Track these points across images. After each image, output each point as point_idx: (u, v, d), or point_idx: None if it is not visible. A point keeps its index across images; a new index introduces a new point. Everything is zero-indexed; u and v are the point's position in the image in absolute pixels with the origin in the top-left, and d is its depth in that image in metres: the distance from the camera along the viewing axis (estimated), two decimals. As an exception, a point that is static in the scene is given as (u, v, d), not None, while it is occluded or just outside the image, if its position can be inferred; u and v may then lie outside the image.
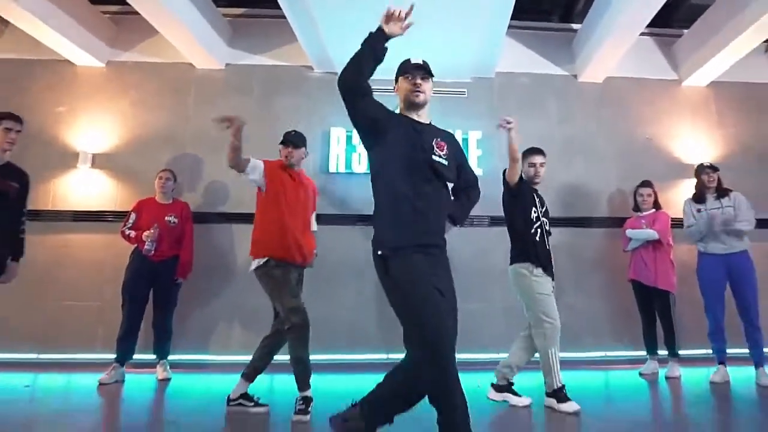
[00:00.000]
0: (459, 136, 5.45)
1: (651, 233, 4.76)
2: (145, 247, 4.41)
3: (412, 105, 2.56)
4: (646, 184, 5.01)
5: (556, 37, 6.07)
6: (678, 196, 5.41)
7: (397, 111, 2.63)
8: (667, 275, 4.71)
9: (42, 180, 5.24)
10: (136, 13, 4.90)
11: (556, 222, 5.30)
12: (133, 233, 4.51)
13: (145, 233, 4.44)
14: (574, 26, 6.05)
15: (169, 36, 5.18)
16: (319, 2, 4.53)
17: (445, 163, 2.49)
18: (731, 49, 5.31)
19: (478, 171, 5.31)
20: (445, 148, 2.52)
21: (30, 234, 5.08)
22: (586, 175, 5.67)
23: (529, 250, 3.63)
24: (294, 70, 5.76)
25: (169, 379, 4.53)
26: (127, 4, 4.78)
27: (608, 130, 5.81)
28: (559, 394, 3.47)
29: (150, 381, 4.45)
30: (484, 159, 5.46)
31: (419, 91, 2.54)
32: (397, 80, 2.65)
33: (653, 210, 4.92)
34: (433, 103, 5.37)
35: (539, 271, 3.62)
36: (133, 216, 4.61)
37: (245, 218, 5.21)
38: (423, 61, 2.62)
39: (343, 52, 5.28)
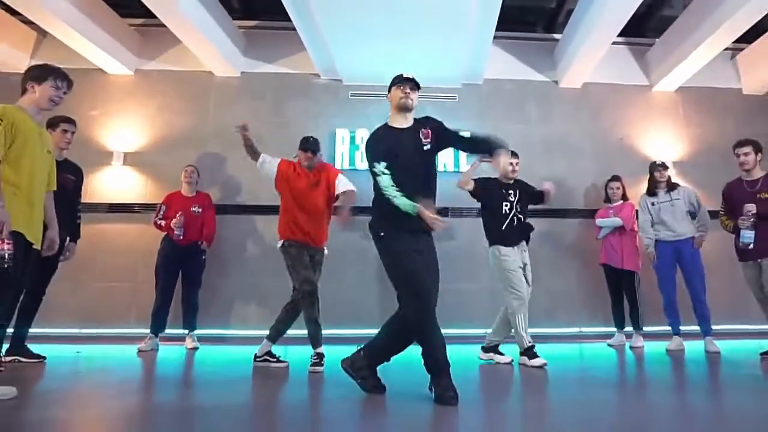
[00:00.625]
0: (450, 137, 6.08)
1: (616, 221, 5.40)
2: (175, 233, 5.07)
3: (402, 108, 3.11)
4: (615, 178, 5.63)
5: (539, 47, 6.68)
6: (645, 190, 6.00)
7: (387, 118, 3.23)
8: (632, 257, 5.34)
9: None
10: (160, 25, 5.54)
11: (537, 213, 5.89)
12: (163, 222, 5.17)
13: (173, 222, 5.07)
14: (556, 36, 6.65)
15: (191, 46, 5.80)
16: (326, 16, 5.07)
17: (430, 147, 3.08)
18: (696, 56, 5.88)
19: (467, 168, 5.82)
20: (429, 135, 3.09)
21: None
22: (565, 171, 6.27)
23: (497, 235, 4.39)
24: (302, 77, 6.39)
25: (197, 348, 5.16)
26: (152, 16, 5.41)
27: (586, 131, 6.42)
28: (529, 352, 4.13)
29: (181, 351, 5.06)
30: (473, 159, 6.04)
31: (409, 98, 3.10)
32: (390, 90, 3.22)
33: (621, 201, 5.54)
34: (426, 108, 6.07)
35: (507, 249, 4.34)
36: (163, 207, 5.25)
37: (260, 209, 5.91)
38: (412, 76, 3.18)
39: (346, 61, 6.09)
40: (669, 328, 5.14)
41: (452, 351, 2.88)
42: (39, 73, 3.06)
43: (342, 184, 4.30)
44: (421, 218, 2.82)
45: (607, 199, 5.66)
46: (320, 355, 3.93)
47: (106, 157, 6.03)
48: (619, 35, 5.82)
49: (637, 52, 6.77)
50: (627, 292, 5.37)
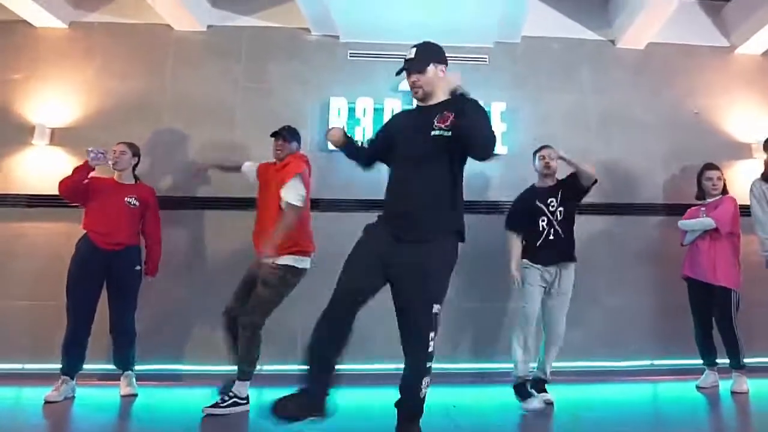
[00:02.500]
0: (480, 108, 4.75)
1: (707, 222, 4.08)
2: (91, 156, 3.78)
3: (416, 98, 2.77)
4: (712, 166, 4.32)
5: (590, -1, 5.33)
6: (734, 179, 4.70)
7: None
8: (729, 270, 4.01)
9: None
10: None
11: (592, 209, 4.67)
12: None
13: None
14: (612, -15, 5.30)
15: (142, -8, 4.45)
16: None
17: (448, 134, 2.53)
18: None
19: (502, 149, 4.67)
20: (449, 119, 2.55)
21: None
22: (626, 154, 4.96)
23: (529, 252, 3.89)
24: (288, 32, 5.03)
25: (134, 395, 3.83)
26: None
27: (650, 102, 5.09)
28: (521, 389, 3.58)
29: (113, 396, 3.78)
30: (509, 134, 4.74)
31: (416, 86, 2.68)
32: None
33: (719, 196, 4.22)
34: (448, 72, 4.72)
35: (528, 263, 3.86)
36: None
37: (231, 203, 4.58)
38: (414, 54, 2.67)
39: (346, 11, 4.66)
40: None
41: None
42: None
43: (287, 191, 3.49)
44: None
45: (701, 195, 4.33)
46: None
47: (27, 133, 4.65)
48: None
49: (710, 8, 5.41)
50: (718, 316, 4.02)
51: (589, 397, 3.69)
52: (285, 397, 2.32)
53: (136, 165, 4.14)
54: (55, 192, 4.13)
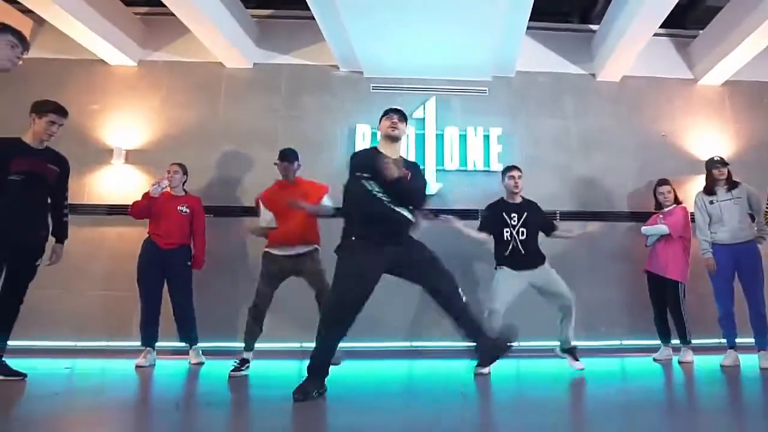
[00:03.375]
0: (480, 133, 5.66)
1: (662, 228, 4.93)
2: (152, 187, 4.65)
3: (389, 138, 3.30)
4: (663, 182, 5.14)
5: (575, 38, 6.21)
6: (693, 192, 5.36)
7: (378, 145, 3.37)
8: (678, 266, 4.84)
9: (78, 175, 5.29)
10: (167, 13, 5.12)
11: (573, 216, 5.51)
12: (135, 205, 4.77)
13: (155, 181, 4.73)
14: (593, 27, 6.18)
15: (199, 35, 5.36)
16: (347, 4, 4.66)
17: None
18: (745, 48, 5.42)
19: (498, 166, 5.40)
20: (409, 177, 3.21)
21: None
22: (603, 170, 5.81)
23: (500, 260, 4.44)
24: (320, 69, 5.92)
25: (202, 363, 4.70)
26: (158, 4, 5.01)
27: (625, 127, 5.94)
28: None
29: (183, 366, 4.61)
30: (505, 155, 5.59)
31: (395, 127, 3.28)
32: (379, 121, 3.38)
33: (673, 206, 5.05)
34: (455, 101, 5.60)
35: (508, 272, 4.34)
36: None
37: None
38: (401, 111, 3.37)
39: (368, 51, 5.59)
40: (718, 340, 4.76)
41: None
42: None
43: (327, 200, 4.32)
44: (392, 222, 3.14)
45: (658, 206, 5.17)
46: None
47: (107, 155, 5.56)
48: (661, 26, 5.34)
49: (680, 44, 6.29)
50: (670, 303, 4.87)
51: (569, 371, 4.26)
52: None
53: (185, 181, 4.99)
54: (130, 202, 5.04)
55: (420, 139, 5.67)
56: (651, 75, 6.12)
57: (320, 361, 3.07)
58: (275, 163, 4.36)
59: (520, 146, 5.72)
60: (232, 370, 4.03)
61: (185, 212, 4.83)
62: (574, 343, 4.41)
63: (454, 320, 3.11)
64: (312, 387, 2.99)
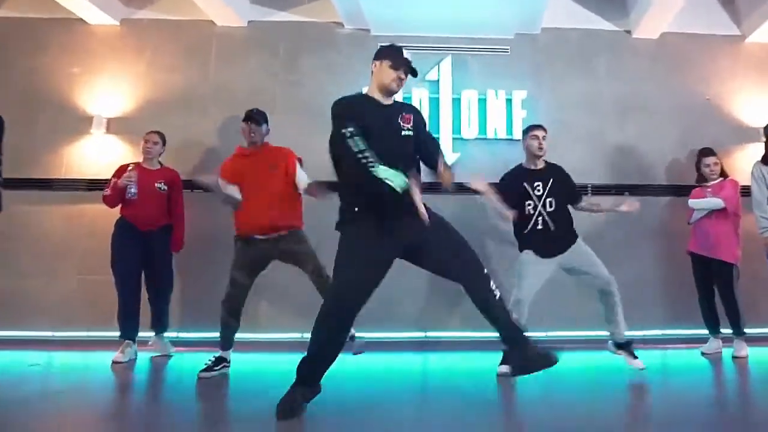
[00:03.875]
0: (502, 97, 5.07)
1: (716, 202, 4.30)
2: (129, 190, 4.04)
3: (388, 92, 2.70)
4: (708, 152, 4.52)
5: (607, -10, 5.54)
6: (742, 163, 4.95)
7: (364, 90, 2.84)
8: (730, 246, 4.26)
9: (54, 146, 5.00)
10: (152, -34, 4.53)
11: (606, 189, 4.97)
12: (108, 191, 4.12)
13: (123, 176, 4.04)
14: (628, -23, 5.51)
15: (187, -10, 4.78)
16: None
17: (411, 133, 2.69)
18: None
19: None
20: (411, 119, 2.71)
21: (41, 204, 4.91)
22: (640, 138, 5.22)
23: (521, 240, 3.74)
24: (322, 26, 5.35)
25: (168, 357, 4.29)
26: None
27: (664, 89, 5.33)
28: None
29: (177, 360, 4.22)
30: (529, 121, 4.94)
31: (401, 84, 2.70)
32: (379, 59, 2.73)
33: (720, 179, 4.45)
34: (472, 62, 5.01)
35: (533, 257, 3.66)
36: (113, 181, 4.19)
37: None
38: (410, 60, 2.75)
39: (375, 6, 4.95)
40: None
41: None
42: None
43: (301, 179, 3.69)
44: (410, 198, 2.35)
45: (701, 178, 4.56)
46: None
47: (86, 123, 5.03)
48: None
49: (724, -1, 5.61)
50: (720, 288, 4.28)
51: (603, 363, 3.82)
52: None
53: (162, 152, 4.44)
54: (111, 177, 4.46)
55: (434, 104, 5.09)
56: (693, 31, 5.47)
57: (313, 368, 2.52)
58: (241, 127, 3.76)
59: (546, 111, 5.11)
60: (201, 371, 3.46)
61: (163, 189, 4.30)
62: (627, 334, 3.69)
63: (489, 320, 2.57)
64: (300, 397, 2.47)
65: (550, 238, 3.62)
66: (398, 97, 2.88)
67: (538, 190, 3.65)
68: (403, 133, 2.66)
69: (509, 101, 5.07)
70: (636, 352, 3.70)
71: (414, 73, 2.73)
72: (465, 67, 5.21)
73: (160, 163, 4.43)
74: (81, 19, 5.25)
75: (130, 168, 4.09)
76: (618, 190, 5.01)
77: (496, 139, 5.04)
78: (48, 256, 4.78)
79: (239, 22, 5.30)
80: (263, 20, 5.37)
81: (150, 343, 4.32)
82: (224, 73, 5.22)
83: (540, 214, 3.62)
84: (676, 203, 4.97)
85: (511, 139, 4.97)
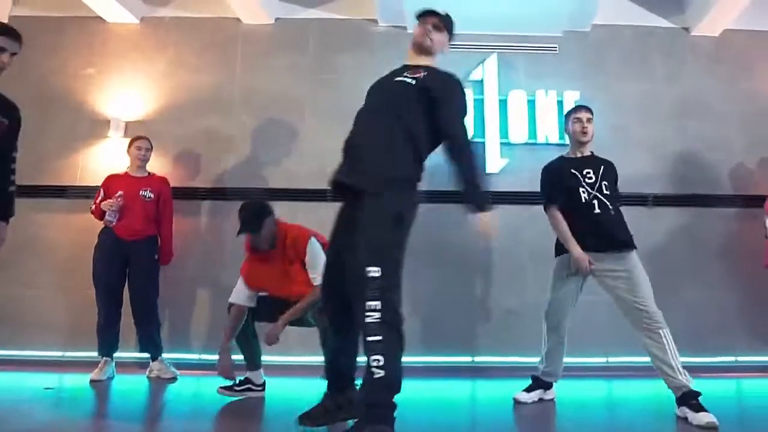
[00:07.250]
0: (553, 98, 4.65)
1: None
2: (107, 217, 3.89)
3: (420, 49, 2.56)
4: None
5: (663, -15, 5.14)
6: None
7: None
8: None
9: (68, 151, 4.71)
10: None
11: (670, 201, 4.53)
12: (93, 207, 4.01)
13: (106, 201, 3.91)
14: (685, -28, 5.11)
15: (212, -14, 4.45)
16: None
17: (411, 82, 2.37)
18: None
19: None
20: (421, 74, 2.39)
21: (54, 213, 4.58)
22: (701, 145, 4.78)
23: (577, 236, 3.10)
24: (356, 24, 4.99)
25: (173, 379, 3.97)
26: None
27: (729, 91, 4.90)
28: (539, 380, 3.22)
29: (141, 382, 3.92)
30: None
31: (429, 37, 2.53)
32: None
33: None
34: (518, 61, 4.63)
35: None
36: (102, 194, 4.04)
37: (298, 194, 4.62)
38: (444, 14, 2.59)
39: (418, 2, 4.58)
40: None
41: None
42: None
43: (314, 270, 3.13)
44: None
45: None
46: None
47: (103, 126, 4.72)
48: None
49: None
50: None
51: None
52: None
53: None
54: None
55: (479, 105, 4.69)
56: (758, 28, 5.04)
57: (331, 369, 2.45)
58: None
59: (602, 114, 4.60)
60: (221, 387, 3.28)
61: (149, 198, 4.08)
62: (686, 381, 2.79)
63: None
64: (322, 407, 2.35)
65: (610, 223, 3.03)
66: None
67: (590, 178, 3.11)
68: (395, 79, 2.44)
69: (560, 103, 4.64)
70: (708, 381, 3.24)
71: (442, 19, 2.56)
72: (511, 66, 4.82)
73: (147, 171, 4.24)
74: (99, 17, 4.96)
75: (117, 195, 3.92)
76: (682, 202, 4.59)
77: (546, 143, 4.61)
78: (60, 270, 4.46)
79: (266, 20, 4.97)
80: (291, 17, 5.03)
81: (150, 374, 4.04)
82: (250, 73, 4.89)
83: (595, 197, 3.07)
84: (745, 215, 4.53)
85: (562, 144, 4.52)
